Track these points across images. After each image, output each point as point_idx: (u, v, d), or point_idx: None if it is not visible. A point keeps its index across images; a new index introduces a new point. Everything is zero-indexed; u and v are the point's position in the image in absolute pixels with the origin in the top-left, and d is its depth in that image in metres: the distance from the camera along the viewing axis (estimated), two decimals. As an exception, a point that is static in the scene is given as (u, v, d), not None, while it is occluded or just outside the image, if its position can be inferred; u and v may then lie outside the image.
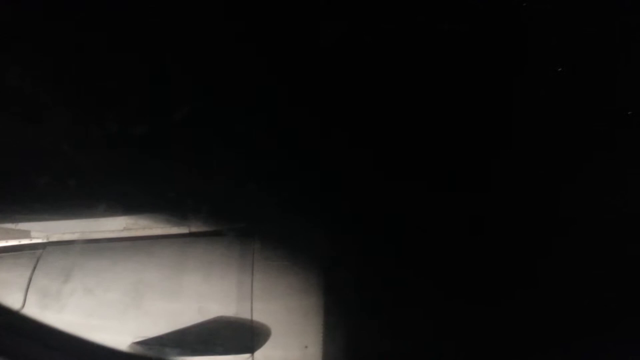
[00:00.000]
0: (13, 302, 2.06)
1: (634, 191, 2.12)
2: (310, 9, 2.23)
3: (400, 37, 2.23)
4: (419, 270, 2.11)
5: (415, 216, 2.17)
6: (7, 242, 2.25)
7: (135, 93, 2.30)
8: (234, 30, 2.24)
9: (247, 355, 2.09)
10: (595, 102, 2.18)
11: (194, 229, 2.33)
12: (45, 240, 2.28)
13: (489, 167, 2.24)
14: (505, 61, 2.23)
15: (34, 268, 2.15)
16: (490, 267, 2.11)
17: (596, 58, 2.17)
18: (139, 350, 2.01)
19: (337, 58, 2.24)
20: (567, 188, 2.16)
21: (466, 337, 1.99)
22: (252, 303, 2.16)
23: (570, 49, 2.19)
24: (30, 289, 2.11)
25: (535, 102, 2.23)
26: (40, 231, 2.28)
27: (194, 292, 2.18)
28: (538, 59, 2.22)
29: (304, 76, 2.28)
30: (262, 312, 2.15)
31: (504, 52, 2.23)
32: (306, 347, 2.13)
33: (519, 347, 1.99)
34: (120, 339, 2.07)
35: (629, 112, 2.17)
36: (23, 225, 2.27)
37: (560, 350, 1.95)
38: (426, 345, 1.93)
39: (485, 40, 2.22)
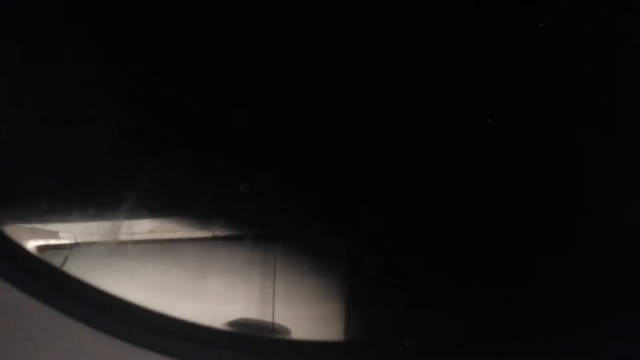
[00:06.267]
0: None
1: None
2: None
3: (400, 34, 2.26)
4: (442, 275, 2.13)
5: (437, 219, 2.19)
6: (36, 241, 2.29)
7: (157, 97, 2.37)
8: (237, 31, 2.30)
9: (269, 357, 2.10)
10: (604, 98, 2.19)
11: (217, 233, 2.37)
12: (72, 242, 2.32)
13: (505, 166, 2.24)
14: (511, 56, 2.23)
15: (62, 267, 2.19)
16: (506, 263, 2.10)
17: (607, 54, 2.18)
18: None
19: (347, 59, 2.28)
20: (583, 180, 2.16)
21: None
22: (273, 307, 2.18)
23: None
24: None
25: (550, 94, 2.24)
26: (68, 232, 2.33)
27: (217, 294, 2.21)
28: (549, 52, 2.23)
29: (319, 78, 2.32)
30: (283, 316, 2.16)
31: (508, 47, 2.23)
32: None
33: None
34: None
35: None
36: (52, 226, 2.32)
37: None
38: (448, 346, 1.93)
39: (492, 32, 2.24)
